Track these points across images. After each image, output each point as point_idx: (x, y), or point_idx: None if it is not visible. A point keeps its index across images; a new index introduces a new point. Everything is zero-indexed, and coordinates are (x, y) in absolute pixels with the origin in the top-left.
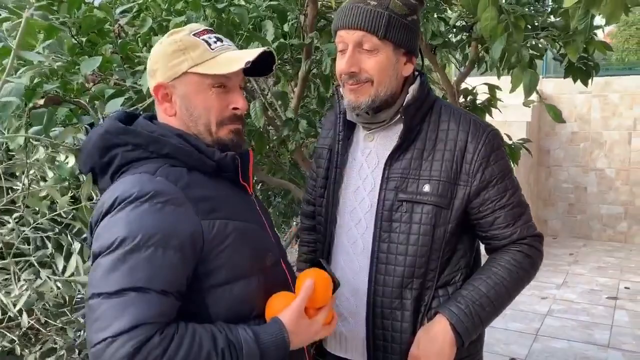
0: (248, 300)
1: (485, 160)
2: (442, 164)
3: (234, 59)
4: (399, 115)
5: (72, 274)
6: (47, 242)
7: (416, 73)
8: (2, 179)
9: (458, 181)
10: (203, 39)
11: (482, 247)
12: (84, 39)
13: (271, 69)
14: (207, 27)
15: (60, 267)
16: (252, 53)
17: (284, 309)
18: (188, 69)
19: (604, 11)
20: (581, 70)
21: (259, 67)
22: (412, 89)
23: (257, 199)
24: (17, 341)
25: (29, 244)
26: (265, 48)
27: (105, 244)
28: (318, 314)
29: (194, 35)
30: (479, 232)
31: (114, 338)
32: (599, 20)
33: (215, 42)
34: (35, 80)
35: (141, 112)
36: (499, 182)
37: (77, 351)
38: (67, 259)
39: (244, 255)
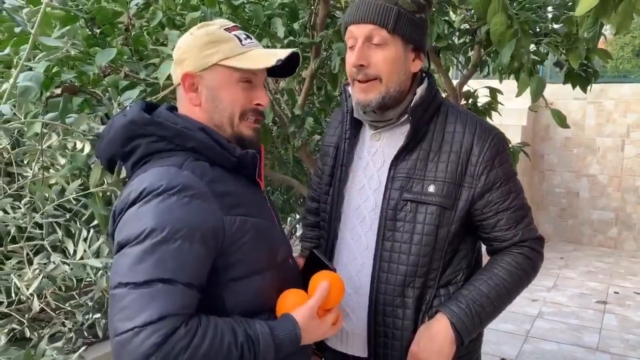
0: (262, 295)
1: (490, 163)
2: (448, 165)
3: (264, 56)
4: (406, 116)
5: (82, 257)
6: (57, 228)
7: (424, 74)
8: (14, 164)
9: (462, 183)
10: (235, 34)
11: (483, 248)
12: (98, 31)
13: (293, 70)
14: (236, 24)
15: (71, 251)
16: (281, 53)
17: (296, 306)
18: (219, 61)
19: (613, 21)
20: (581, 77)
21: (281, 68)
22: (420, 90)
23: (267, 195)
24: (26, 324)
25: (41, 229)
26: (294, 49)
27: (133, 235)
28: (327, 314)
29: (225, 30)
30: (481, 234)
31: (141, 328)
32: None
33: (245, 39)
34: (54, 69)
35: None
36: (502, 185)
37: (85, 333)
38: (77, 245)
39: (260, 251)
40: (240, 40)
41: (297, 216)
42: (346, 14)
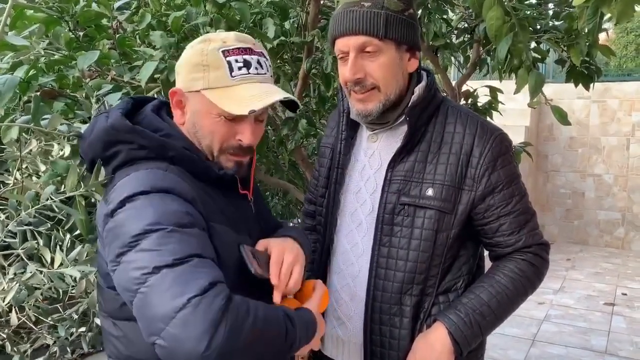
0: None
1: (492, 165)
2: (447, 167)
3: (250, 98)
4: (404, 116)
5: (60, 265)
6: (37, 237)
7: (423, 72)
8: None
9: (463, 186)
10: (228, 61)
11: (486, 252)
12: (81, 33)
13: (296, 106)
14: (245, 46)
15: (48, 259)
16: (268, 95)
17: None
18: (201, 89)
19: (613, 10)
20: (583, 75)
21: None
22: (419, 89)
23: (256, 199)
24: (5, 339)
25: (26, 239)
26: (285, 96)
27: (138, 232)
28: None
29: (222, 52)
30: (483, 239)
31: (201, 295)
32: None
33: (239, 69)
34: (31, 73)
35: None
36: (505, 188)
37: (69, 350)
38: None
39: (228, 265)
40: (232, 70)
41: (298, 221)
42: (331, 26)
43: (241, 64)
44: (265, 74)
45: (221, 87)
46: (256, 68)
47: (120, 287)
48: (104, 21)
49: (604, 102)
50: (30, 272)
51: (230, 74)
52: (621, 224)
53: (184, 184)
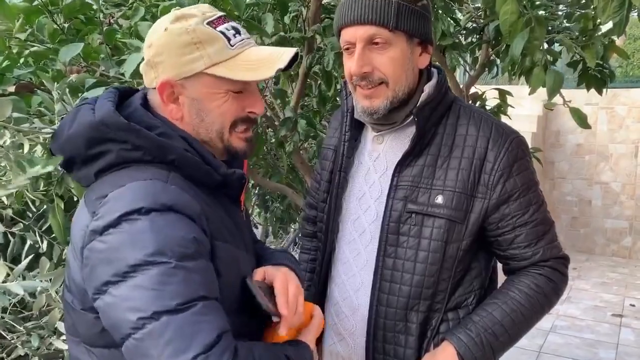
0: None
1: (507, 171)
2: (458, 173)
3: (259, 62)
4: (412, 117)
5: (5, 279)
6: (10, 237)
7: (434, 69)
8: None
9: (475, 193)
10: (221, 30)
11: (499, 265)
12: (66, 25)
13: (290, 65)
14: (222, 14)
15: None
16: (278, 55)
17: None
18: (204, 69)
19: None
20: (596, 78)
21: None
22: (428, 87)
23: (246, 211)
24: None
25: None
26: (293, 50)
27: (135, 262)
28: None
29: (208, 24)
30: (496, 251)
31: (206, 354)
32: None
33: (234, 36)
34: (5, 64)
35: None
36: (521, 196)
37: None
38: (37, 258)
39: (230, 284)
40: (229, 40)
41: (298, 226)
42: (338, 14)
43: (233, 31)
44: (250, 37)
45: (226, 60)
46: (244, 32)
47: (108, 323)
48: (94, 14)
49: (612, 109)
50: None
51: (229, 43)
52: (628, 232)
53: (187, 197)
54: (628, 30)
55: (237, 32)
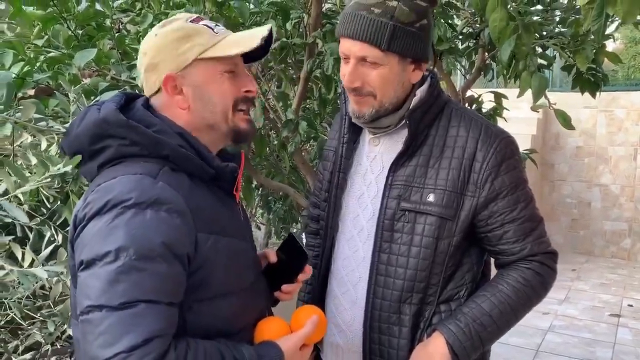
0: (226, 318)
1: (495, 170)
2: (449, 172)
3: (243, 39)
4: (404, 120)
5: (31, 264)
6: (28, 232)
7: (426, 73)
8: None
9: (465, 191)
10: (203, 24)
11: (492, 260)
12: (80, 32)
13: (267, 51)
14: (198, 15)
15: (19, 256)
16: (259, 32)
17: (278, 335)
18: (198, 56)
19: (619, 10)
20: (589, 82)
21: (255, 53)
22: (420, 91)
23: (242, 205)
24: None
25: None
26: (268, 26)
27: (102, 252)
28: (305, 349)
29: (191, 22)
30: (486, 246)
31: (128, 353)
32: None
33: (215, 26)
34: (25, 69)
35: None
36: (509, 194)
37: (58, 346)
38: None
39: (229, 274)
40: (212, 29)
41: (300, 226)
42: (339, 23)
43: (213, 24)
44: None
45: (214, 45)
46: (222, 26)
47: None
48: (106, 21)
49: (611, 111)
50: (4, 269)
51: (213, 31)
52: (628, 234)
53: (174, 193)
54: (629, 34)
55: (217, 25)
